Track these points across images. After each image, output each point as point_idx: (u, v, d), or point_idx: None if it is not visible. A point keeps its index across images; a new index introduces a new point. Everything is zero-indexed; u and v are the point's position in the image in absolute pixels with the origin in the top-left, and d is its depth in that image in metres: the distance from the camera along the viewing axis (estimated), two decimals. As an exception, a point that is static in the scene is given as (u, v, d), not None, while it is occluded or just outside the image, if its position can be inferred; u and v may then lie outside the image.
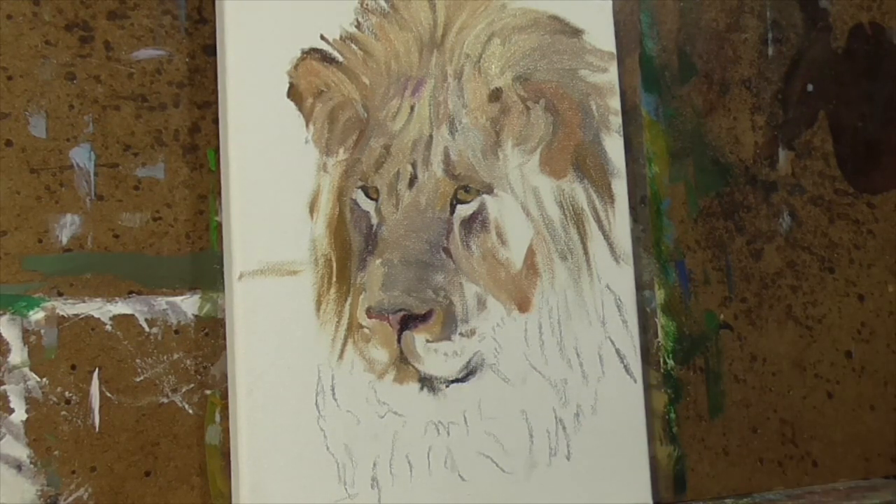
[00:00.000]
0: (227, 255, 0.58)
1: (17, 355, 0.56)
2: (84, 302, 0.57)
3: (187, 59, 0.61)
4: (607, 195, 0.67)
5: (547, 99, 0.66)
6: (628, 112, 0.72)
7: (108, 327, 0.58)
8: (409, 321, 0.60)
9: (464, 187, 0.63)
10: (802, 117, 0.80)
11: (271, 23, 0.60)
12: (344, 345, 0.59)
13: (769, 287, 0.76)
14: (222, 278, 0.59)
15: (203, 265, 0.60)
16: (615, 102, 0.68)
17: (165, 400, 0.58)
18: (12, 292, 0.56)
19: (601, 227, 0.66)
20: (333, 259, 0.60)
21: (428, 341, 0.61)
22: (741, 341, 0.74)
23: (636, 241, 0.71)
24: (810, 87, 0.80)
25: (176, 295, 0.59)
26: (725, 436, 0.73)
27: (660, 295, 0.72)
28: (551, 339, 0.64)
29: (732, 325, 0.74)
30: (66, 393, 0.56)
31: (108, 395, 0.57)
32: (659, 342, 0.72)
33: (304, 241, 0.59)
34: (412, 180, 0.62)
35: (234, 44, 0.59)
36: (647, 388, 0.70)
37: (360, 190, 0.61)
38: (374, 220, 0.61)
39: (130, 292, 0.58)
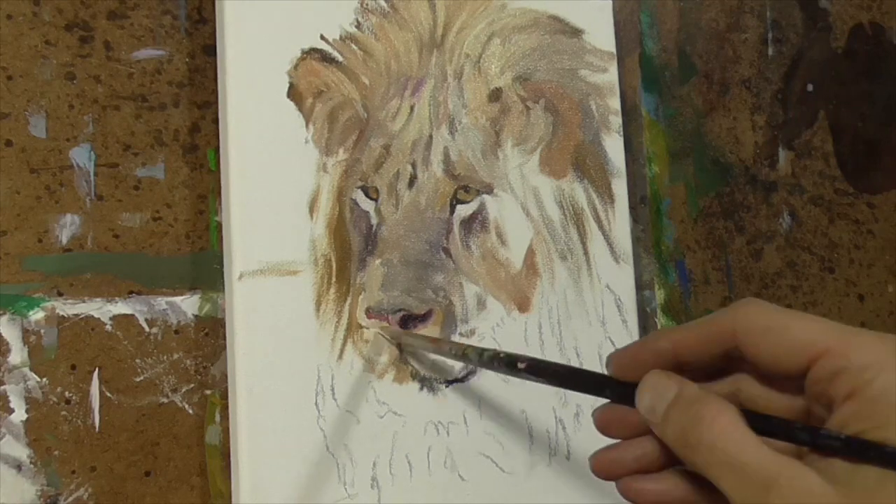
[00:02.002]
0: (227, 255, 0.58)
1: (17, 355, 0.56)
2: (84, 302, 0.57)
3: (187, 59, 0.61)
4: (607, 195, 0.67)
5: (547, 99, 0.66)
6: (628, 112, 0.72)
7: (108, 327, 0.58)
8: (408, 321, 0.60)
9: (464, 187, 0.63)
10: (802, 117, 0.80)
11: (271, 23, 0.60)
12: (344, 345, 0.59)
13: (769, 287, 0.76)
14: (222, 278, 0.59)
15: (203, 265, 0.60)
16: (615, 102, 0.68)
17: (165, 400, 0.58)
18: (12, 292, 0.56)
19: (601, 227, 0.66)
20: (333, 259, 0.60)
21: (428, 341, 0.61)
22: (741, 341, 0.74)
23: (636, 241, 0.71)
24: (810, 87, 0.80)
25: (176, 295, 0.59)
26: (725, 436, 0.73)
27: (660, 295, 0.72)
28: (551, 339, 0.64)
29: (732, 325, 0.74)
30: (66, 393, 0.56)
31: (108, 395, 0.57)
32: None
33: (304, 241, 0.59)
34: (412, 180, 0.62)
35: (234, 44, 0.59)
36: (647, 388, 0.70)
37: (359, 190, 0.61)
38: (374, 220, 0.61)
39: (130, 292, 0.58)
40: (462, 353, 0.52)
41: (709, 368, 0.42)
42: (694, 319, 0.72)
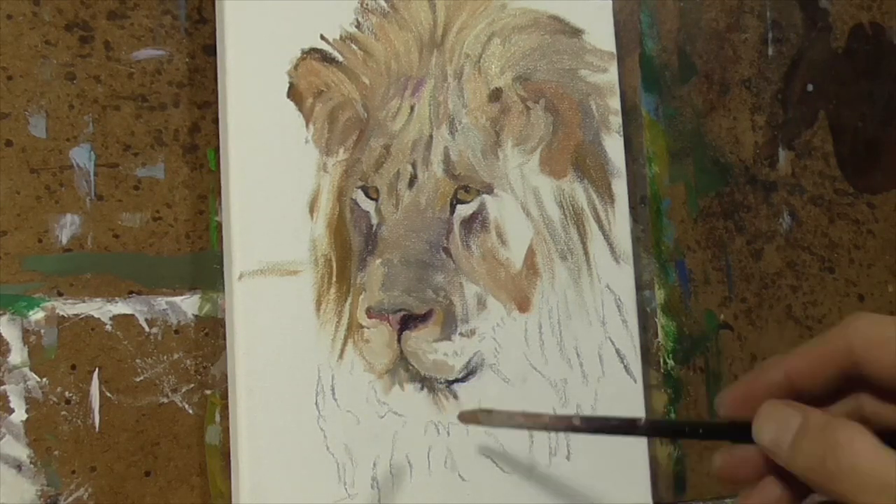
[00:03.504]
0: (227, 255, 0.58)
1: (17, 355, 0.56)
2: (84, 302, 0.57)
3: (187, 59, 0.61)
4: (607, 195, 0.67)
5: (547, 99, 0.66)
6: (628, 112, 0.72)
7: (108, 327, 0.58)
8: (408, 321, 0.60)
9: (464, 187, 0.63)
10: (802, 117, 0.80)
11: (271, 23, 0.60)
12: (344, 345, 0.59)
13: (769, 287, 0.76)
14: (222, 278, 0.59)
15: (203, 265, 0.60)
16: (615, 102, 0.68)
17: (165, 400, 0.58)
18: (12, 292, 0.56)
19: (601, 227, 0.66)
20: (333, 259, 0.60)
21: (428, 341, 0.61)
22: (741, 341, 0.74)
23: (636, 241, 0.71)
24: (810, 87, 0.80)
25: (176, 295, 0.59)
26: (725, 436, 0.73)
27: (660, 295, 0.72)
28: (551, 339, 0.64)
29: (732, 325, 0.74)
30: (66, 393, 0.56)
31: (108, 395, 0.57)
32: (659, 342, 0.72)
33: (304, 241, 0.59)
34: (412, 180, 0.62)
35: (234, 44, 0.59)
36: (647, 388, 0.70)
37: (360, 190, 0.61)
38: (374, 220, 0.61)
39: (130, 292, 0.58)
40: (567, 424, 0.52)
41: (826, 392, 0.41)
42: (694, 319, 0.72)
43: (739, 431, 0.41)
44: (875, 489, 0.35)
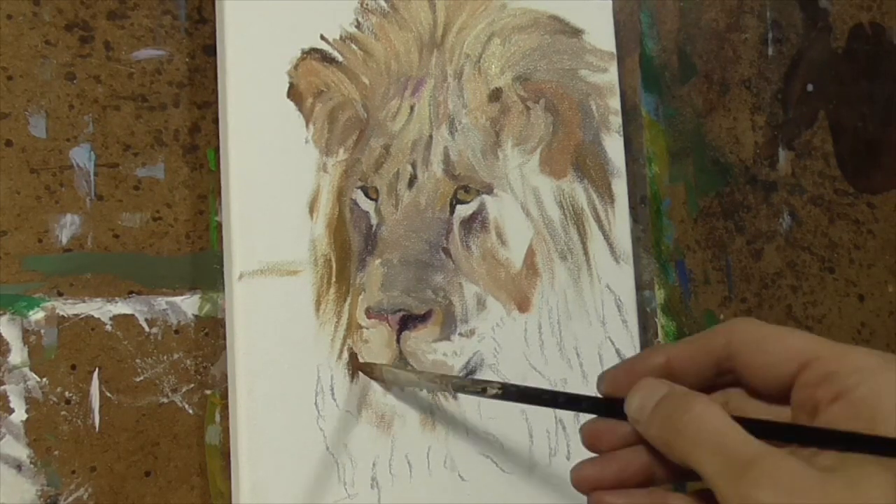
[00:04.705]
0: (227, 255, 0.58)
1: (17, 355, 0.56)
2: (84, 302, 0.57)
3: (187, 59, 0.61)
4: (607, 195, 0.67)
5: (547, 99, 0.66)
6: (628, 112, 0.72)
7: (108, 327, 0.58)
8: (408, 321, 0.60)
9: (464, 187, 0.63)
10: (802, 117, 0.80)
11: (271, 23, 0.60)
12: (343, 345, 0.59)
13: (769, 287, 0.76)
14: (222, 278, 0.59)
15: (203, 265, 0.60)
16: (615, 102, 0.68)
17: (165, 400, 0.58)
18: (12, 292, 0.56)
19: (601, 227, 0.66)
20: (333, 259, 0.60)
21: (427, 342, 0.61)
22: (741, 341, 0.74)
23: (636, 241, 0.71)
24: (810, 87, 0.80)
25: (176, 295, 0.59)
26: (725, 436, 0.73)
27: (660, 295, 0.72)
28: (551, 339, 0.64)
29: (732, 325, 0.74)
30: (66, 393, 0.56)
31: (108, 395, 0.57)
32: (659, 342, 0.72)
33: (304, 241, 0.59)
34: (412, 180, 0.62)
35: (234, 44, 0.59)
36: (647, 388, 0.70)
37: (359, 190, 0.61)
38: (374, 220, 0.61)
39: (130, 292, 0.58)
40: (440, 382, 0.55)
41: (701, 382, 0.43)
42: (694, 319, 0.72)
43: (615, 408, 0.43)
44: (711, 449, 0.38)
